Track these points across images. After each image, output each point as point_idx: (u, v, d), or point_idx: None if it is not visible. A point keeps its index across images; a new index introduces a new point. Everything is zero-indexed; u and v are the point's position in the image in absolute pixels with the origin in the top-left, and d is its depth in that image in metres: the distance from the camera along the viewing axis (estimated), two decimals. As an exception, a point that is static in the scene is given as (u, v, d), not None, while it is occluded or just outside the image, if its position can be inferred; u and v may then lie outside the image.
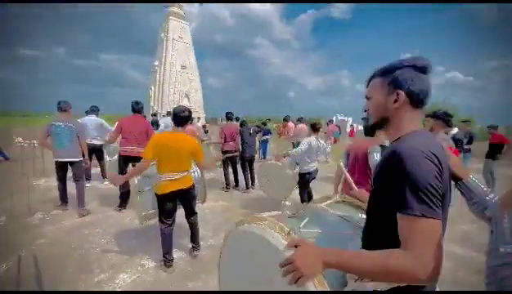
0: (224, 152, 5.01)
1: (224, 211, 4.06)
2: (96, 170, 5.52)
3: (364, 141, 2.35)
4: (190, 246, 2.75)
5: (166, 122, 7.99)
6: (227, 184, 5.30)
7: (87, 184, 5.00)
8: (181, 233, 2.97)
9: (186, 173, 2.40)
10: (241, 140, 5.30)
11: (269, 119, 12.66)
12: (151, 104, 17.31)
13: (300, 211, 1.34)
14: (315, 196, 4.05)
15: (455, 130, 4.70)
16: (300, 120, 7.58)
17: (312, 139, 3.61)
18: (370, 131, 2.36)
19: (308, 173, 3.72)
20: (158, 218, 2.47)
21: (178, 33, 17.70)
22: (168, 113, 8.22)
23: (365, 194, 1.39)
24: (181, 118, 2.33)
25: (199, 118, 12.11)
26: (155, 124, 9.51)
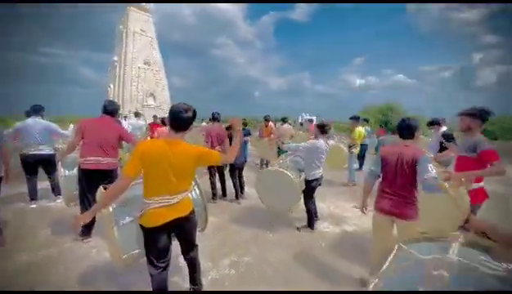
0: None
1: (217, 230, 3.42)
2: (43, 184, 4.35)
3: (410, 146, 1.94)
4: (189, 288, 2.08)
5: (134, 124, 6.97)
6: (214, 194, 4.63)
7: (33, 205, 3.91)
8: (173, 270, 2.27)
9: (184, 194, 1.75)
10: (230, 144, 4.70)
11: (245, 119, 12.11)
12: (110, 103, 15.49)
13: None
14: (320, 205, 3.66)
15: (444, 128, 4.70)
16: (284, 120, 7.17)
17: (321, 142, 3.18)
18: (411, 131, 1.96)
19: (316, 179, 3.28)
20: (146, 260, 1.77)
21: (140, 26, 16.14)
22: (137, 114, 7.18)
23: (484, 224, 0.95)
24: (183, 120, 1.65)
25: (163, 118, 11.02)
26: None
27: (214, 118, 4.67)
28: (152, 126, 6.45)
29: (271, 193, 3.53)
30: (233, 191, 4.74)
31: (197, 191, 2.27)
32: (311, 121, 9.76)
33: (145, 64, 16.05)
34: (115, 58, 15.81)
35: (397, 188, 1.92)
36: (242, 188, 4.86)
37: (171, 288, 2.06)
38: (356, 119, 5.80)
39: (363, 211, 2.28)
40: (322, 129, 3.25)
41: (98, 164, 2.86)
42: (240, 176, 4.87)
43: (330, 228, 3.59)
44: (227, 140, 4.72)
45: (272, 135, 7.55)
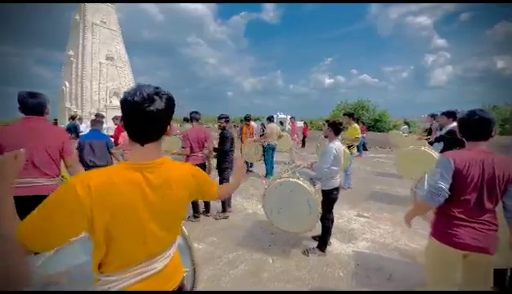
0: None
1: (205, 263, 2.63)
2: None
3: (495, 153, 1.37)
4: None
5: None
6: (196, 211, 3.81)
7: None
8: None
9: (172, 251, 0.99)
10: (219, 151, 3.99)
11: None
12: (66, 104, 13.60)
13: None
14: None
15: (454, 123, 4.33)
16: (270, 119, 6.51)
17: (337, 144, 2.57)
18: (489, 129, 1.40)
19: (335, 189, 2.69)
20: None
21: (100, 17, 14.40)
22: (98, 116, 6.00)
23: None
24: (152, 118, 0.82)
25: (103, 116, 9.76)
26: (74, 131, 7.01)
27: (192, 118, 3.85)
28: (116, 131, 5.38)
29: (282, 211, 2.80)
30: (218, 204, 3.98)
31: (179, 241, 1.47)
32: (293, 119, 9.13)
33: (107, 59, 14.32)
34: (71, 52, 13.87)
35: (482, 212, 1.35)
36: (229, 199, 4.11)
37: None
38: (350, 116, 5.33)
39: (408, 225, 1.68)
40: (337, 129, 2.64)
41: (30, 189, 1.92)
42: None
43: (340, 247, 3.00)
44: (211, 143, 3.95)
45: (255, 136, 6.88)
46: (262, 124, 8.53)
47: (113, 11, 15.18)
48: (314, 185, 2.67)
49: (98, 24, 14.27)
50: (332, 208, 2.76)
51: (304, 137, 12.76)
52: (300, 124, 15.42)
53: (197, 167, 1.09)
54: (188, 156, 3.70)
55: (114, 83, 14.61)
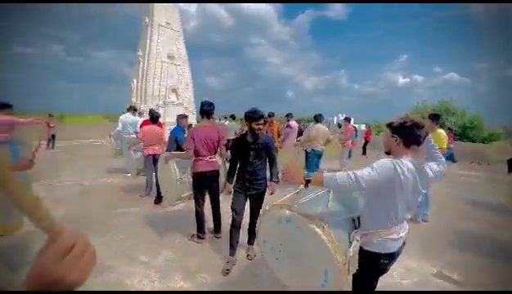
0: (198, 174, 2.79)
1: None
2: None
3: None
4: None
5: (124, 120, 5.68)
6: (201, 230, 3.01)
7: None
8: None
9: None
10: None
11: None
12: (133, 99, 14.98)
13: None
14: None
15: None
16: (317, 119, 5.25)
17: (407, 164, 1.36)
18: None
19: (390, 255, 1.49)
20: None
21: (165, 18, 15.34)
22: (131, 109, 5.91)
23: None
24: None
25: (186, 115, 9.76)
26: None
27: (204, 113, 3.03)
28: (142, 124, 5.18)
29: (289, 263, 1.72)
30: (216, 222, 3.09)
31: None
32: (348, 120, 7.38)
33: (168, 58, 15.19)
34: (139, 52, 15.22)
35: None
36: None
37: None
38: (435, 118, 3.68)
39: None
40: (409, 135, 1.41)
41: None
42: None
43: None
44: (223, 148, 3.09)
45: (282, 137, 5.71)
46: (303, 125, 7.23)
47: (177, 11, 16.01)
48: (351, 242, 1.48)
49: (163, 26, 15.22)
50: (374, 289, 1.51)
51: (366, 143, 10.74)
52: (362, 127, 13.23)
53: None
54: (195, 161, 2.92)
55: (172, 81, 15.40)
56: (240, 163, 2.62)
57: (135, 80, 15.32)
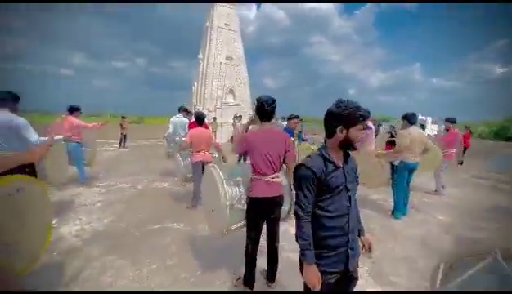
0: (254, 200, 2.04)
1: None
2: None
3: None
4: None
5: (176, 122, 5.34)
6: (250, 277, 2.16)
7: None
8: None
9: None
10: None
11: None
12: (194, 100, 15.51)
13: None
14: None
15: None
16: (410, 119, 3.80)
17: None
18: None
19: None
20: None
21: (224, 20, 15.39)
22: (181, 109, 5.57)
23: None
24: None
25: (240, 116, 9.38)
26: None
27: (263, 113, 2.13)
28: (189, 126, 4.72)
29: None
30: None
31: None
32: (451, 121, 5.30)
33: (226, 59, 15.18)
34: (200, 55, 15.67)
35: None
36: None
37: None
38: None
39: None
40: None
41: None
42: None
43: None
44: (292, 164, 2.18)
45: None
46: (392, 127, 5.67)
47: (234, 12, 15.92)
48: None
49: (222, 27, 15.30)
50: None
51: (465, 150, 8.13)
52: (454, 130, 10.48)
53: None
54: (253, 181, 2.09)
55: (230, 81, 15.33)
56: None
57: (195, 83, 15.85)
